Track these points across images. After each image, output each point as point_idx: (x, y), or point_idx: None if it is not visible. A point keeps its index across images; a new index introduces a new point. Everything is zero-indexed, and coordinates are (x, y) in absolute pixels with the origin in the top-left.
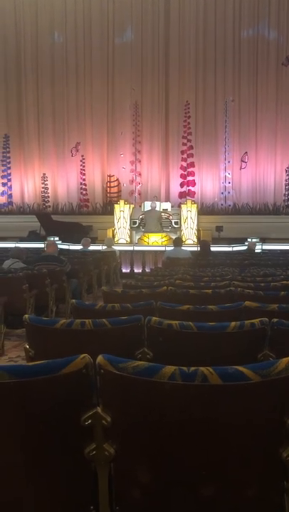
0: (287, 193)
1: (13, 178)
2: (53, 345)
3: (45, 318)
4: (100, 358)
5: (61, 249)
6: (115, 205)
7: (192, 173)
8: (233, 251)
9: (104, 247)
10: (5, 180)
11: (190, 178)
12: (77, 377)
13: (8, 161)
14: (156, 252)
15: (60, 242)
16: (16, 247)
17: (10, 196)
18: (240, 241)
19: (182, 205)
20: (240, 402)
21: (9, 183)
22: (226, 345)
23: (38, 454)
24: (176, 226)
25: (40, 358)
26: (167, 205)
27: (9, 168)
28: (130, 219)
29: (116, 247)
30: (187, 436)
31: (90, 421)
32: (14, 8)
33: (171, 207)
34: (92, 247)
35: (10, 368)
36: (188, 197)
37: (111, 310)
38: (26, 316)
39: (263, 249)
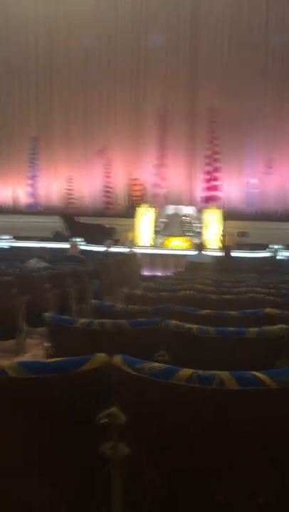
0: None
1: (41, 180)
2: (72, 343)
3: (66, 317)
4: (116, 358)
5: (84, 251)
6: (138, 209)
7: (217, 178)
8: (256, 257)
9: (126, 250)
10: (32, 182)
11: (214, 182)
12: (94, 375)
13: (36, 162)
14: (178, 256)
15: (84, 243)
16: (40, 247)
17: (37, 197)
18: (264, 247)
19: (206, 210)
20: (257, 407)
21: (36, 185)
22: (243, 352)
23: (52, 450)
24: (198, 231)
25: (59, 356)
26: (191, 210)
27: (37, 169)
28: (153, 222)
29: (138, 250)
30: (202, 441)
31: (105, 420)
32: (47, 9)
33: (195, 211)
34: (114, 249)
35: (27, 364)
36: (212, 202)
37: (130, 311)
38: (47, 314)
39: (286, 256)
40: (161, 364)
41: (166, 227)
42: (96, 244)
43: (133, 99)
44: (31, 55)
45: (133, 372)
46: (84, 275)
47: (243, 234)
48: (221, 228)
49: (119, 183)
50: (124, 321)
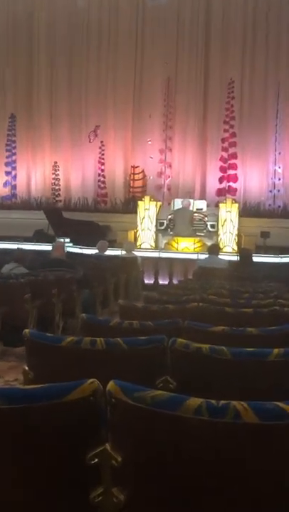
0: None
1: (19, 167)
2: (56, 366)
3: (49, 334)
4: (111, 385)
5: (72, 253)
6: (139, 202)
7: (234, 166)
8: (281, 262)
9: (124, 253)
10: (9, 169)
11: (231, 171)
12: (83, 405)
13: (13, 145)
14: (186, 260)
15: (71, 244)
16: (18, 249)
17: (14, 187)
18: None
19: (220, 205)
20: (281, 446)
21: (14, 172)
22: (265, 377)
23: (33, 495)
24: (212, 230)
25: (40, 381)
26: (202, 204)
27: (14, 154)
28: (156, 219)
29: (138, 253)
30: (213, 484)
31: (96, 460)
32: None
33: (207, 206)
34: (109, 252)
35: (3, 392)
36: (228, 195)
37: (128, 328)
38: (27, 330)
39: None
40: (165, 392)
41: (173, 225)
42: (87, 245)
43: (133, 69)
44: (6, 13)
45: (131, 402)
46: (71, 283)
47: (266, 235)
48: (236, 226)
49: (116, 171)
50: (120, 340)
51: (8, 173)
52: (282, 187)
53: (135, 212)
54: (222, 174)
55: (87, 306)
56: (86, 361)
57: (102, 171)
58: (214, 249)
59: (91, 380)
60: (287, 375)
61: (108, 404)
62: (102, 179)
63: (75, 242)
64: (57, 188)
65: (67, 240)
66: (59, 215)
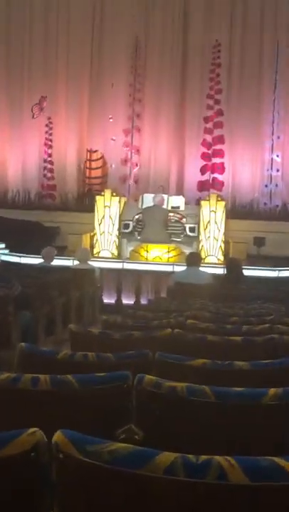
0: None
1: None
2: None
3: None
4: (58, 436)
5: (8, 263)
6: (97, 198)
7: (220, 153)
8: (279, 277)
9: (77, 263)
10: None
11: (217, 160)
12: (21, 463)
13: None
14: (158, 273)
15: (6, 251)
16: None
17: None
18: None
19: (203, 203)
20: None
21: None
22: (259, 424)
23: None
24: (191, 234)
25: None
26: (179, 201)
27: None
28: (120, 220)
29: (95, 264)
30: None
31: None
32: None
33: (186, 204)
34: (57, 262)
35: None
36: (212, 190)
37: (81, 361)
38: None
39: None
40: (128, 445)
41: (142, 227)
42: (28, 253)
43: (91, 26)
44: None
45: (84, 458)
46: (6, 303)
47: (261, 241)
48: (223, 230)
49: (68, 156)
50: (71, 377)
51: None
52: (281, 181)
53: (92, 210)
54: (205, 163)
55: (27, 333)
56: (26, 405)
57: (50, 155)
58: (194, 260)
59: (32, 429)
60: (286, 422)
61: (54, 461)
62: (49, 166)
63: (12, 249)
64: None
65: (2, 245)
66: None
